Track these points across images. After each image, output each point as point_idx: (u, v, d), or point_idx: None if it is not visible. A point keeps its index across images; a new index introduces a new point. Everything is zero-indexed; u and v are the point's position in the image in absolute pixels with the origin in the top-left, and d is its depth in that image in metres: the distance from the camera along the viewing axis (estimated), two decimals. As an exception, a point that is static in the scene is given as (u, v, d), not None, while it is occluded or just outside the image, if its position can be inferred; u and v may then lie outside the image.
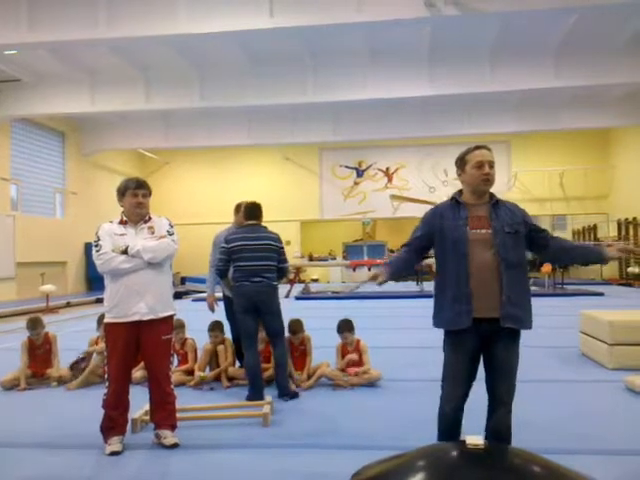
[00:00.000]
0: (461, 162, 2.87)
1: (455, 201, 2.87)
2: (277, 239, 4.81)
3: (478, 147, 2.85)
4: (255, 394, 4.57)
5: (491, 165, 2.80)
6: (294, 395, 4.67)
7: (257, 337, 4.78)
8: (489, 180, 2.79)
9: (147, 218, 3.72)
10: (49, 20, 10.49)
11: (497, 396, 2.80)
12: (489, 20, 11.56)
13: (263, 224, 4.88)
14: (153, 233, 3.66)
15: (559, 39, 12.85)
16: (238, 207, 5.25)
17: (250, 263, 4.62)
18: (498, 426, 2.79)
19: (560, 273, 16.62)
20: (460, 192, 2.91)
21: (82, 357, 5.41)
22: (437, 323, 2.86)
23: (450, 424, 2.85)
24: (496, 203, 2.83)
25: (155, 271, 3.61)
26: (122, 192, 3.67)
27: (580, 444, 3.45)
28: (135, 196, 3.63)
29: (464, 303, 2.69)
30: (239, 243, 4.66)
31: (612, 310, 6.94)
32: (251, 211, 4.82)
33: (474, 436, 2.22)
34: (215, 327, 5.34)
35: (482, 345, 2.76)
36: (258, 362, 4.70)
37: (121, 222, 3.69)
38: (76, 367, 5.39)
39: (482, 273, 2.68)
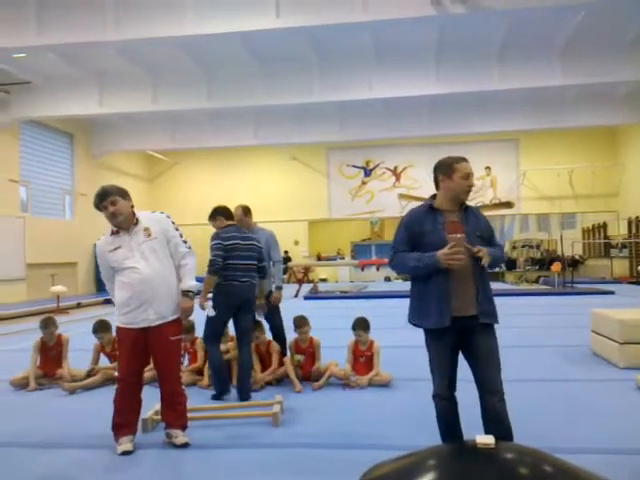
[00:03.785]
0: (449, 169, 2.96)
1: (430, 207, 2.99)
2: (259, 240, 5.03)
3: (464, 159, 3.01)
4: (222, 389, 4.63)
5: (472, 177, 3.02)
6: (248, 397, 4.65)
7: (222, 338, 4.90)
8: (471, 191, 3.00)
9: (135, 221, 3.65)
10: (57, 23, 10.57)
11: (487, 386, 2.83)
12: (496, 18, 11.51)
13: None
14: (150, 235, 3.62)
15: (566, 37, 12.78)
16: (247, 210, 5.43)
17: (241, 262, 4.69)
18: (495, 416, 2.79)
19: (570, 272, 16.51)
20: (433, 198, 3.03)
21: (92, 368, 5.44)
22: (422, 324, 2.98)
23: (444, 413, 2.94)
24: (466, 209, 3.01)
25: (164, 278, 3.60)
26: (98, 209, 3.64)
27: (591, 443, 3.43)
28: (105, 209, 3.58)
29: (445, 304, 2.85)
30: (233, 242, 4.71)
31: (623, 309, 6.89)
32: (230, 213, 5.04)
33: (485, 436, 2.22)
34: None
35: (460, 339, 2.91)
36: (223, 359, 4.82)
37: (113, 233, 3.67)
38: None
39: (460, 275, 2.86)
